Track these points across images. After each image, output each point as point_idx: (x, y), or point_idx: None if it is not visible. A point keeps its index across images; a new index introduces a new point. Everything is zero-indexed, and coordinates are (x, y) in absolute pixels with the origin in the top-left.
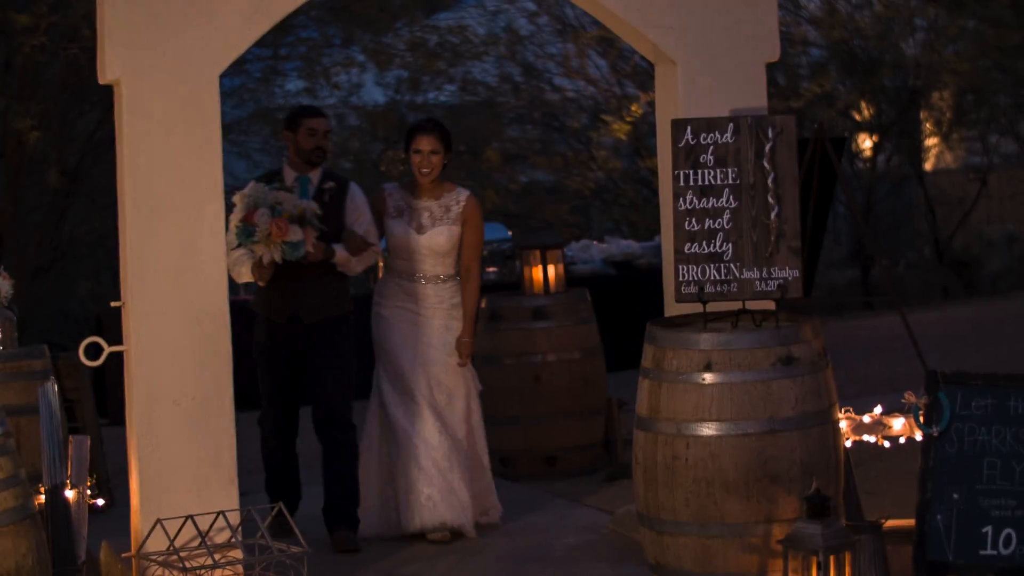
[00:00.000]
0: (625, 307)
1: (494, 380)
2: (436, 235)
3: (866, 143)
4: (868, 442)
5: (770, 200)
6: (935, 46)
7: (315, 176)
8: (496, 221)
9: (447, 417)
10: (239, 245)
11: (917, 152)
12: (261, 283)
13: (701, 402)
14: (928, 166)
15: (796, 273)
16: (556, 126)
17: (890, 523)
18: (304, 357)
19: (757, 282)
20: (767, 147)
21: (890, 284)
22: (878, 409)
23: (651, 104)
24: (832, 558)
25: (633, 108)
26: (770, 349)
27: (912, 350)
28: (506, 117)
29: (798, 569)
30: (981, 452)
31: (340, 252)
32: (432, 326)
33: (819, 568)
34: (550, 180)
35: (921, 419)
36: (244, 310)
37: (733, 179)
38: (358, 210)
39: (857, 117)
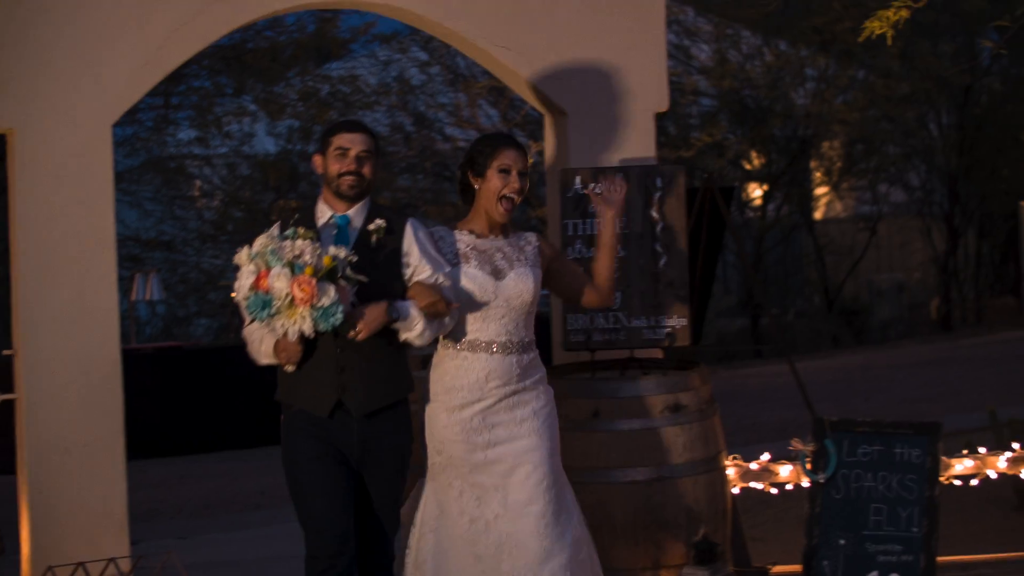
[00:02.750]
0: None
1: None
2: (520, 279)
3: (756, 192)
4: (756, 489)
5: (658, 249)
6: (825, 96)
7: (356, 214)
8: None
9: None
10: (253, 320)
11: (807, 201)
12: (289, 367)
13: (589, 449)
14: (818, 215)
15: (684, 321)
16: (447, 175)
17: (777, 568)
18: (352, 462)
19: (645, 330)
20: (655, 197)
21: (779, 332)
22: (765, 456)
23: (541, 154)
24: None
25: None
26: (658, 397)
27: (801, 398)
28: (397, 166)
29: None
30: (868, 498)
31: (408, 314)
32: (532, 414)
33: None
34: (442, 230)
35: (808, 466)
36: (136, 358)
37: (621, 227)
38: (424, 254)
39: (747, 166)
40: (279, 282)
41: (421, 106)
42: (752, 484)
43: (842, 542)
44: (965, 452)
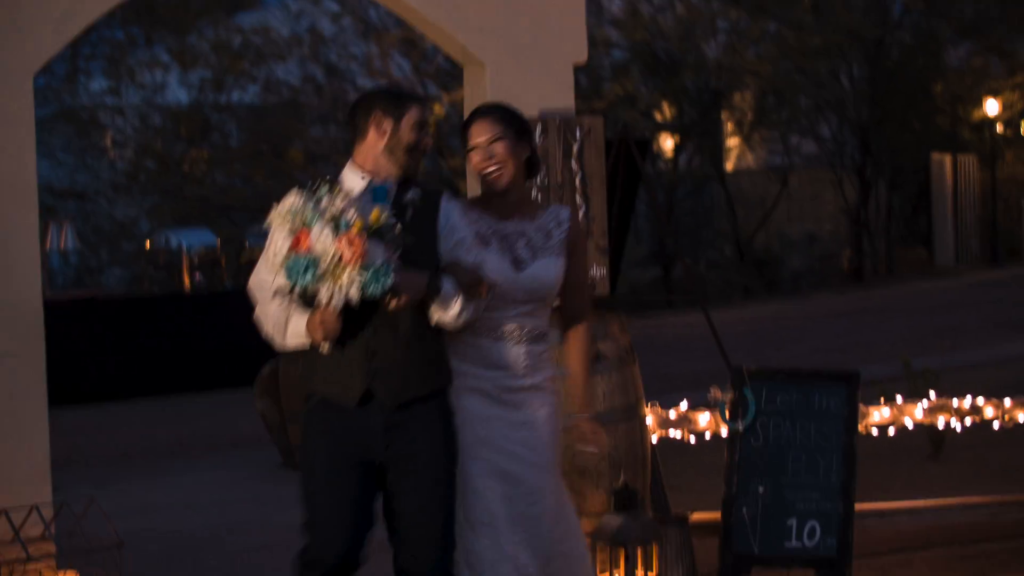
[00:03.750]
0: None
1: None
2: (542, 270)
3: (668, 144)
4: (674, 437)
5: (578, 199)
6: (737, 48)
7: (392, 183)
8: None
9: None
10: (292, 290)
11: (718, 153)
12: (325, 345)
13: None
14: (729, 166)
15: (603, 271)
16: None
17: (696, 516)
18: (380, 463)
19: None
20: (575, 147)
21: (695, 282)
22: (684, 404)
23: (453, 104)
24: (640, 550)
25: (435, 108)
26: None
27: (714, 347)
28: (309, 117)
29: (606, 561)
30: (786, 446)
31: (448, 290)
32: (534, 420)
33: (627, 560)
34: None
35: (727, 414)
36: (59, 306)
37: (541, 179)
38: (456, 232)
39: (659, 118)
40: (324, 240)
41: (333, 57)
42: (671, 432)
43: (761, 490)
44: (882, 401)
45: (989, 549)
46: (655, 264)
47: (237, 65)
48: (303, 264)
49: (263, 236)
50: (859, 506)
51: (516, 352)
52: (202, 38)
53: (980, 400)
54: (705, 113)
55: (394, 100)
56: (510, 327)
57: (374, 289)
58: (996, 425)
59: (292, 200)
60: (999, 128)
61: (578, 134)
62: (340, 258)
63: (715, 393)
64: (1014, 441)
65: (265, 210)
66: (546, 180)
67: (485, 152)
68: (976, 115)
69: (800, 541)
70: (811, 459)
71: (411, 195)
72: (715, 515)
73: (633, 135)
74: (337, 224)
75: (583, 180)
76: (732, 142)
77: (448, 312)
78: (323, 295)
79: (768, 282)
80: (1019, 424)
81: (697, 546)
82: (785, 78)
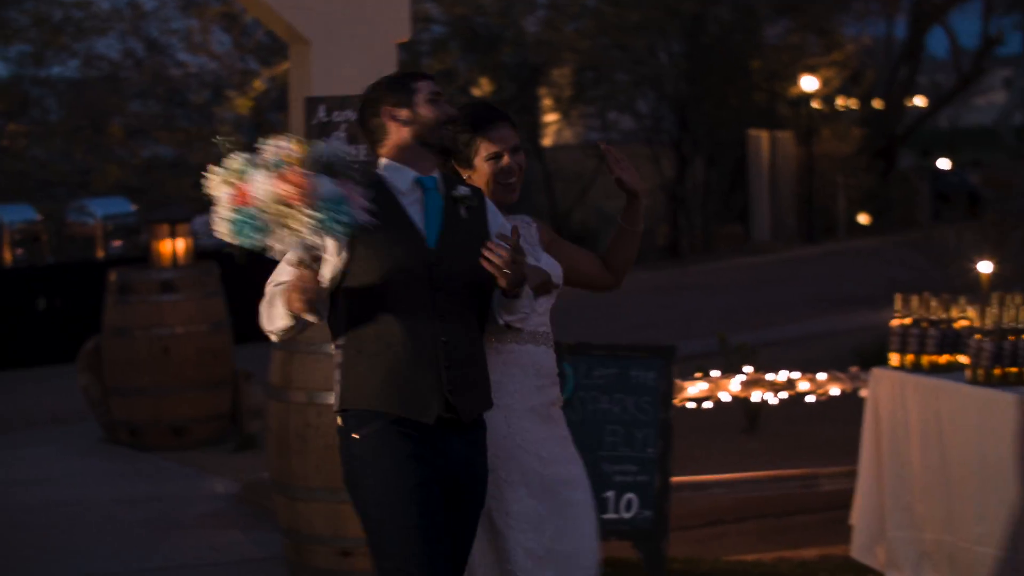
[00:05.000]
0: (253, 280)
1: (123, 352)
2: (555, 265)
3: None
4: None
5: None
6: (556, 23)
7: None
8: (119, 196)
9: None
10: (243, 246)
11: (536, 128)
12: (310, 315)
13: (331, 372)
14: (548, 142)
15: None
16: (179, 101)
17: None
18: (447, 490)
19: None
20: None
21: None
22: None
23: (273, 79)
24: None
25: (255, 84)
26: None
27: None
28: (129, 92)
29: None
30: (604, 420)
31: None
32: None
33: None
34: (173, 155)
35: None
36: None
37: (366, 156)
38: (506, 232)
39: (477, 93)
40: (263, 187)
41: (154, 32)
42: None
43: None
44: (698, 375)
45: (803, 521)
46: None
47: (57, 39)
48: (247, 219)
49: (82, 212)
50: (675, 479)
51: (552, 357)
52: (22, 11)
53: (795, 375)
54: (523, 88)
55: (397, 86)
56: (544, 331)
57: (336, 227)
58: (810, 399)
59: (227, 162)
60: (816, 104)
61: None
62: (282, 200)
63: None
64: (827, 415)
65: (84, 185)
66: (369, 156)
67: (513, 160)
68: (793, 92)
69: (617, 513)
70: (628, 433)
71: (462, 190)
72: None
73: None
74: (276, 166)
75: None
76: (551, 117)
77: (517, 314)
78: (278, 247)
79: None
80: (832, 398)
81: None
82: (603, 54)
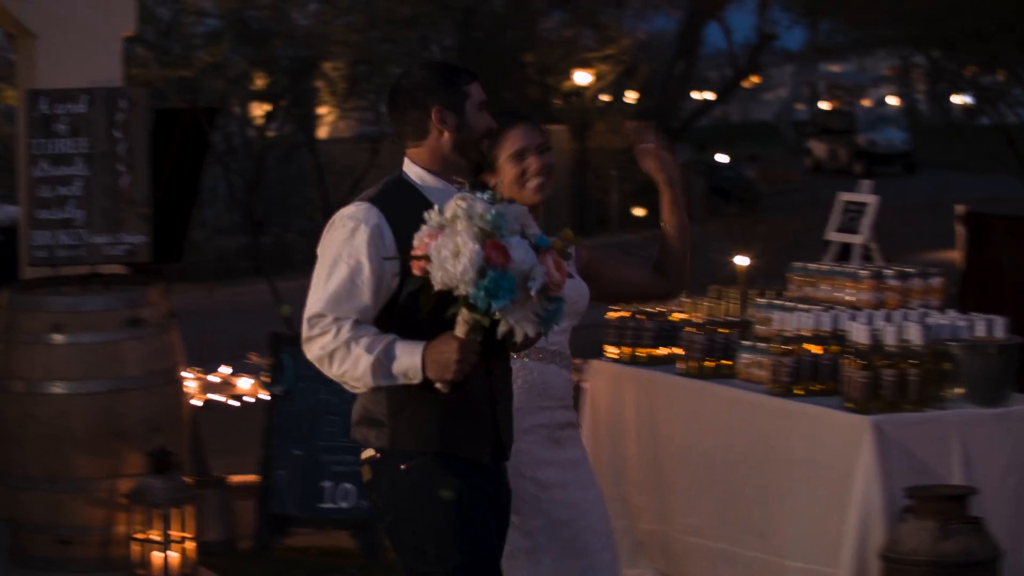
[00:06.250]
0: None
1: None
2: (575, 286)
3: (258, 112)
4: (221, 401)
5: (121, 169)
6: (327, 17)
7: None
8: None
9: None
10: (481, 307)
11: (309, 121)
12: (446, 387)
13: (51, 362)
14: (321, 134)
15: (144, 238)
16: None
17: (236, 478)
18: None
19: (106, 247)
20: (119, 118)
21: (265, 251)
22: (225, 369)
23: None
24: (174, 512)
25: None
26: (117, 311)
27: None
28: None
29: (142, 521)
30: (322, 410)
31: None
32: (581, 458)
33: (163, 521)
34: None
35: (267, 379)
36: None
37: (86, 148)
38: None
39: (251, 86)
40: (526, 257)
41: None
42: (213, 396)
43: (298, 453)
44: None
45: None
46: (244, 232)
47: None
48: (510, 282)
49: None
50: None
51: (565, 379)
52: None
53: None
54: (296, 81)
55: (450, 86)
56: (558, 349)
57: (546, 328)
58: None
59: (461, 204)
60: (590, 99)
61: (124, 105)
62: (546, 283)
63: (254, 358)
64: None
65: None
66: (91, 149)
67: (541, 160)
68: (567, 86)
69: (334, 503)
70: (346, 423)
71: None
72: (255, 478)
73: (204, 104)
74: (538, 240)
75: (128, 150)
76: (323, 110)
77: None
78: (507, 323)
79: None
80: None
81: (238, 507)
82: (374, 47)
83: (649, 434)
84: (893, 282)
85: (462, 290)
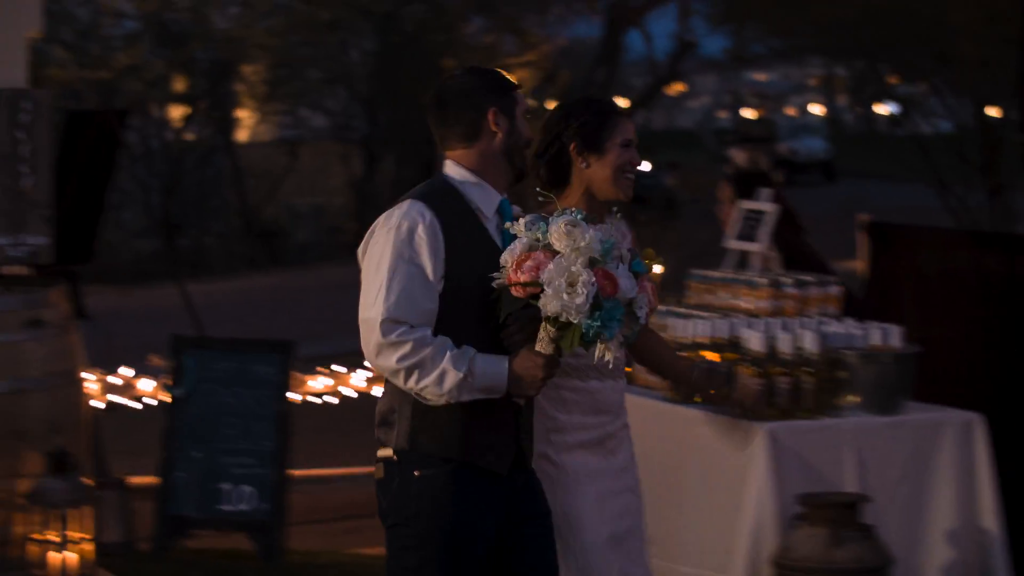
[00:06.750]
0: None
1: None
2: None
3: (176, 114)
4: (123, 403)
5: (23, 170)
6: (247, 20)
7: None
8: None
9: None
10: (589, 337)
11: (228, 124)
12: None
13: None
14: (240, 137)
15: (46, 240)
16: None
17: (137, 480)
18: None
19: (7, 247)
20: (23, 119)
21: (182, 254)
22: (126, 371)
23: None
24: (72, 512)
25: None
26: (18, 312)
27: (206, 318)
28: None
29: (40, 522)
30: (222, 413)
31: None
32: (630, 463)
33: (61, 522)
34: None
35: (168, 381)
36: None
37: None
38: None
39: (170, 89)
40: (631, 285)
41: None
42: (114, 398)
43: (197, 455)
44: (321, 370)
45: None
46: (159, 234)
47: None
48: (619, 313)
49: None
50: (297, 472)
51: (618, 389)
52: None
53: None
54: (215, 84)
55: (503, 88)
56: (617, 366)
57: (626, 348)
58: None
59: (564, 230)
60: None
61: (27, 106)
62: (648, 311)
63: (154, 360)
64: None
65: None
66: None
67: (636, 155)
68: None
69: (233, 505)
70: (246, 426)
71: (516, 210)
72: (155, 479)
73: (114, 106)
74: (634, 265)
75: (32, 152)
76: (242, 113)
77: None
78: (602, 350)
79: (274, 253)
80: None
81: (138, 509)
82: (293, 51)
83: None
84: (791, 290)
85: (574, 319)
